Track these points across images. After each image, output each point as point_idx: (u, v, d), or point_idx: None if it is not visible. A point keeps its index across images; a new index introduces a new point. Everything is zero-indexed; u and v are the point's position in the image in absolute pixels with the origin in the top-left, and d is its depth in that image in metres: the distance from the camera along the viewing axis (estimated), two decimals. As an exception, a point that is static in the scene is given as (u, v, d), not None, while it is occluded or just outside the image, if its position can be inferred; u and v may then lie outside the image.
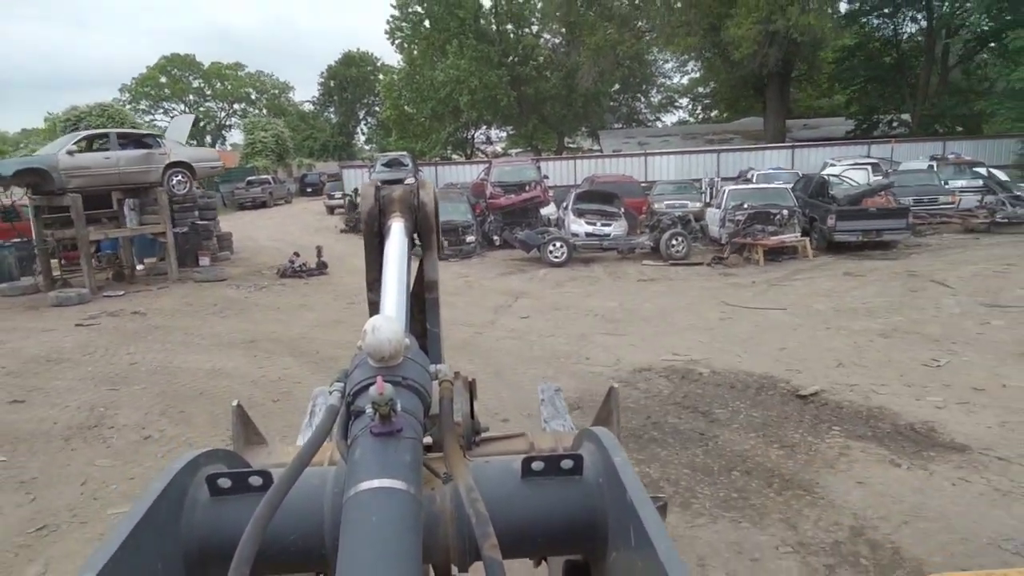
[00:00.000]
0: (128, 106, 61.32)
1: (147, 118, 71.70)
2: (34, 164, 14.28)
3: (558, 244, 16.78)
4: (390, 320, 1.22)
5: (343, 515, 1.01)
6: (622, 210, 18.95)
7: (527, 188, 20.36)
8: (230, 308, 13.39)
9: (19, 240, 17.18)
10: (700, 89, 55.67)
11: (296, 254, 17.02)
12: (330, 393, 1.22)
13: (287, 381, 8.84)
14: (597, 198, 19.26)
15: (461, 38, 43.21)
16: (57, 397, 8.49)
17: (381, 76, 62.87)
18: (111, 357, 10.20)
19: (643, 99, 57.02)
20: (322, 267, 16.75)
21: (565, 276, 15.55)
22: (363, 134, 78.83)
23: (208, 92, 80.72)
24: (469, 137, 53.33)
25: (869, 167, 20.65)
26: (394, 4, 46.91)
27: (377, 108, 69.28)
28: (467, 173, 31.39)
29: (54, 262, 16.54)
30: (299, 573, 1.38)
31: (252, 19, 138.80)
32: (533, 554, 1.43)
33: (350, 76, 70.50)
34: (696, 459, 6.19)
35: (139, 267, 17.54)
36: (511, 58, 45.01)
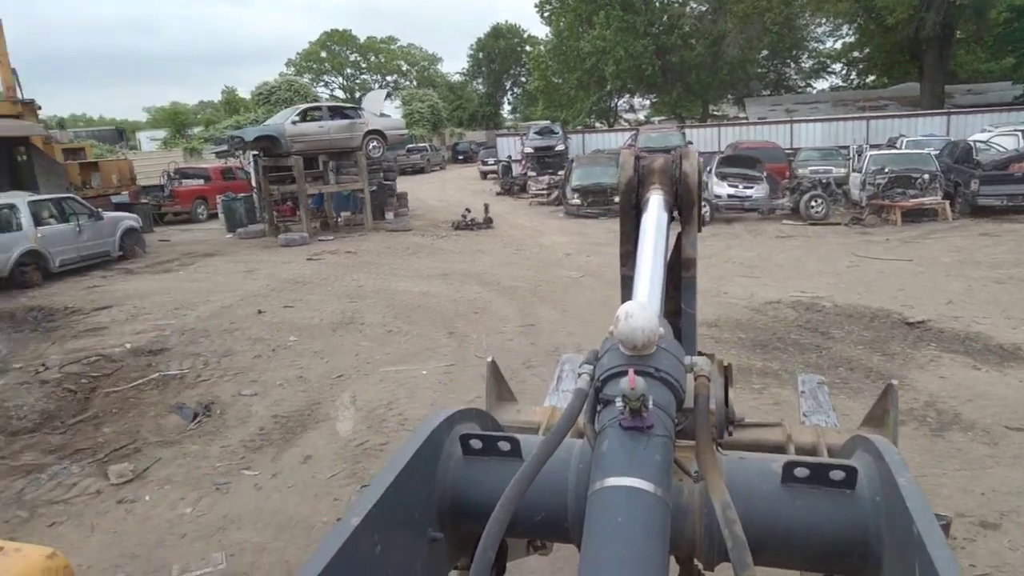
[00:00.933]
0: (286, 78, 66.87)
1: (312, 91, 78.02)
2: (268, 132, 17.65)
3: (702, 205, 18.36)
4: (644, 308, 1.18)
5: (588, 508, 1.01)
6: (764, 174, 20.09)
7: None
8: (420, 251, 16.16)
9: (245, 195, 20.89)
10: (855, 54, 53.71)
11: (468, 210, 19.61)
12: (579, 375, 1.20)
13: (480, 301, 11.26)
14: (739, 162, 20.50)
15: (607, 9, 44.38)
16: (314, 305, 11.37)
17: (528, 48, 64.99)
18: (341, 282, 13.10)
19: (793, 65, 55.74)
20: (488, 222, 19.24)
21: (707, 232, 17.13)
22: (509, 104, 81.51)
23: (364, 65, 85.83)
24: (612, 106, 54.54)
25: (1020, 133, 20.47)
26: (544, -22, 48.66)
27: (523, 79, 71.58)
28: (611, 141, 32.95)
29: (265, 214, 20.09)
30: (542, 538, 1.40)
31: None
32: (788, 566, 1.33)
33: (498, 48, 73.07)
34: (810, 360, 7.94)
35: (335, 220, 20.79)
36: (656, 28, 45.70)
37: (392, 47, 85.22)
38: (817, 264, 12.90)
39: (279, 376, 8.18)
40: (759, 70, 51.90)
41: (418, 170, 43.34)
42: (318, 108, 19.11)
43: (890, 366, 7.61)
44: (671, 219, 1.95)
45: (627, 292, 1.75)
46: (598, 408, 1.18)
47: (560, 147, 27.81)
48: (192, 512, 5.35)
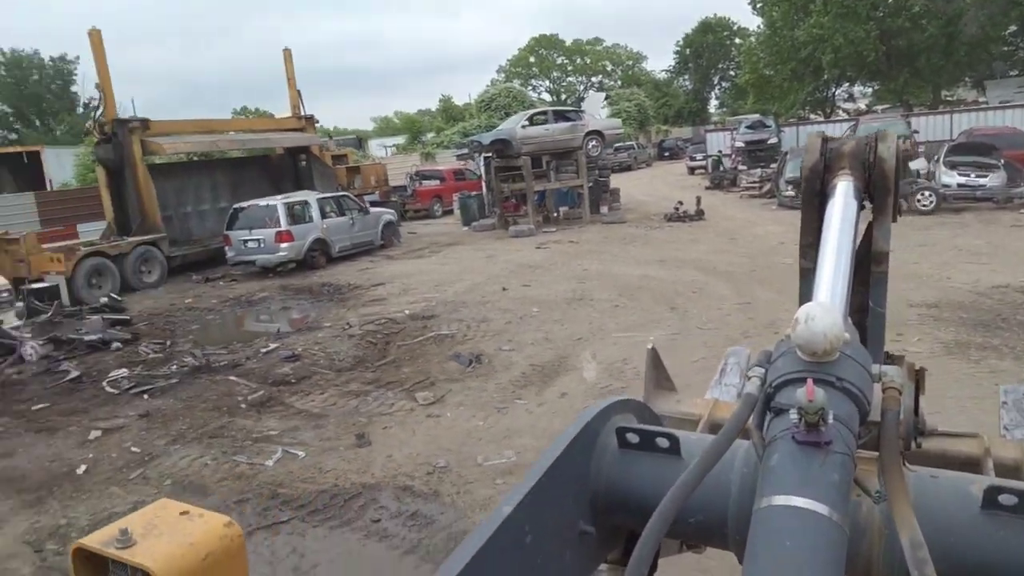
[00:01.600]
0: (503, 85, 70.36)
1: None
2: (502, 135, 19.88)
3: (926, 193, 17.82)
4: (827, 309, 1.09)
5: (753, 525, 0.95)
6: (1002, 161, 18.95)
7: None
8: (636, 240, 17.43)
9: (477, 193, 23.41)
10: None
11: (680, 202, 20.53)
12: (748, 378, 1.14)
13: (697, 283, 12.30)
14: (972, 150, 19.47)
15: (827, -5, 42.61)
16: (548, 285, 13.05)
17: (738, 41, 63.61)
18: (568, 266, 14.73)
19: (1049, 40, 49.62)
20: (700, 214, 20.02)
21: (932, 222, 16.71)
22: (716, 99, 79.99)
23: (569, 68, 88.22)
24: (829, 95, 52.01)
25: None
26: (757, -32, 47.63)
27: (732, 72, 70.02)
28: (828, 132, 31.92)
29: (495, 209, 22.40)
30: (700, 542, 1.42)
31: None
32: None
33: (706, 43, 72.07)
34: (1035, 339, 8.15)
35: (555, 214, 22.64)
36: (880, 11, 43.06)
37: (597, 48, 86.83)
38: (1058, 253, 12.40)
39: (529, 338, 9.86)
40: (1004, 48, 46.94)
41: (625, 168, 44.51)
42: (544, 112, 21.07)
43: (1123, 346, 7.66)
44: (861, 207, 1.79)
45: (807, 287, 1.62)
46: (768, 416, 1.10)
47: (772, 140, 27.69)
48: (483, 425, 7.06)
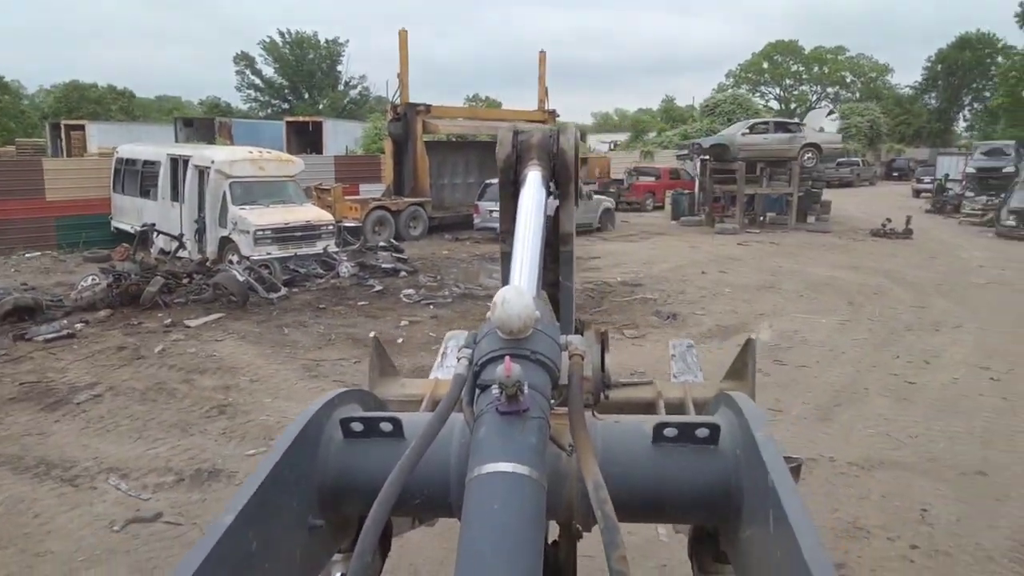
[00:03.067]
0: (730, 91, 69.41)
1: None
2: (722, 140, 21.91)
3: None
4: (520, 293, 1.17)
5: (466, 495, 1.02)
6: None
7: None
8: (835, 249, 18.75)
9: (688, 192, 25.50)
10: None
11: (888, 219, 21.25)
12: (459, 359, 1.19)
13: (882, 287, 13.77)
14: None
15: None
16: (743, 274, 15.08)
17: (1000, 59, 58.73)
18: (764, 262, 16.58)
19: None
20: (908, 233, 20.65)
21: None
22: (964, 121, 73.96)
23: (805, 76, 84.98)
24: (1102, 126, 46.97)
25: None
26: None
27: (987, 94, 64.63)
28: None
29: (704, 207, 24.34)
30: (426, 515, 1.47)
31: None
32: (660, 521, 1.42)
33: (962, 60, 67.00)
34: None
35: (761, 217, 24.13)
36: None
37: (839, 57, 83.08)
38: None
39: (718, 308, 12.10)
40: None
41: (846, 183, 43.74)
42: (765, 122, 22.74)
43: None
44: (549, 195, 1.86)
45: (507, 268, 1.67)
46: (476, 392, 1.14)
47: (1009, 168, 26.80)
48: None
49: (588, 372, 1.43)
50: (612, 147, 46.07)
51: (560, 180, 1.89)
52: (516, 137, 1.87)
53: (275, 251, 14.21)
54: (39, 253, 17.33)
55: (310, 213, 15.29)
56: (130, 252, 12.91)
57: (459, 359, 1.18)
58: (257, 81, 68.02)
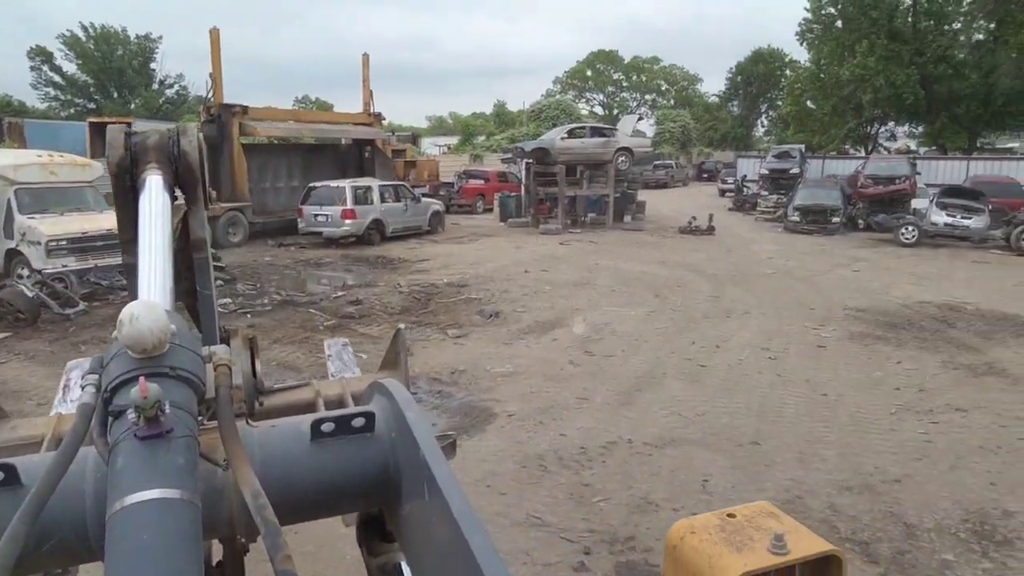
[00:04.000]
0: (556, 96, 72.32)
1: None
2: (543, 144, 22.80)
3: (909, 228, 20.14)
4: (151, 307, 1.10)
5: (108, 533, 0.92)
6: (988, 207, 21.10)
7: (896, 182, 23.48)
8: (647, 245, 20.11)
9: (515, 195, 26.31)
10: None
11: (693, 217, 23.10)
12: (83, 388, 1.09)
13: (684, 279, 14.96)
14: (962, 194, 21.68)
15: (872, 37, 44.52)
16: (562, 272, 15.81)
17: (788, 72, 65.45)
18: (583, 260, 17.48)
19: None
20: (711, 229, 22.57)
21: (908, 253, 19.04)
22: (762, 126, 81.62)
23: (625, 84, 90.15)
24: (872, 132, 53.74)
25: None
26: (807, 8, 49.77)
27: (779, 102, 71.80)
28: (847, 167, 34.05)
29: (529, 209, 25.25)
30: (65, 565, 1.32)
31: (664, 12, 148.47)
32: (329, 515, 1.41)
33: (757, 72, 73.95)
34: (923, 336, 10.65)
35: (582, 218, 25.38)
36: (924, 57, 44.83)
37: (654, 67, 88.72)
38: (993, 283, 14.75)
39: (538, 304, 12.63)
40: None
41: (661, 185, 46.96)
42: (583, 127, 23.95)
43: (983, 344, 10.13)
44: (174, 199, 1.78)
45: (133, 280, 1.51)
46: (110, 421, 1.05)
47: (795, 170, 29.99)
48: (494, 351, 9.85)
49: (238, 381, 1.38)
50: (444, 150, 46.49)
51: (185, 184, 1.81)
52: (129, 138, 1.76)
53: (72, 263, 13.05)
54: None
55: (112, 221, 14.14)
56: None
57: (83, 387, 1.09)
58: (56, 78, 61.82)
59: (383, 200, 20.29)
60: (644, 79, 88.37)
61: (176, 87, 65.70)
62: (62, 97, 62.43)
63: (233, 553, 1.78)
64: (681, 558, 1.57)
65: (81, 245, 13.25)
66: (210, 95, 20.05)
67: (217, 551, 1.83)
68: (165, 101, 63.30)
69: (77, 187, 14.36)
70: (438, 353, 9.80)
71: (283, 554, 0.96)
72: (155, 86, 65.09)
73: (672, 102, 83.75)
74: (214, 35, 19.37)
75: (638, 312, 12.07)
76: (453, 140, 57.90)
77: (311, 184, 20.27)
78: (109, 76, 61.95)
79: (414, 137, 48.14)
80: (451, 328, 11.06)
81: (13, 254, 13.26)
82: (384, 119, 24.91)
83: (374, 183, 20.49)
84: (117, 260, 13.75)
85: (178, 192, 1.86)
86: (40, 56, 60.41)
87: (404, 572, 1.47)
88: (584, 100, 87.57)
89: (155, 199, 1.66)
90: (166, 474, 0.97)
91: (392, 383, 1.38)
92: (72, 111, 58.05)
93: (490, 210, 29.25)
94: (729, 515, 1.64)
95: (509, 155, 23.86)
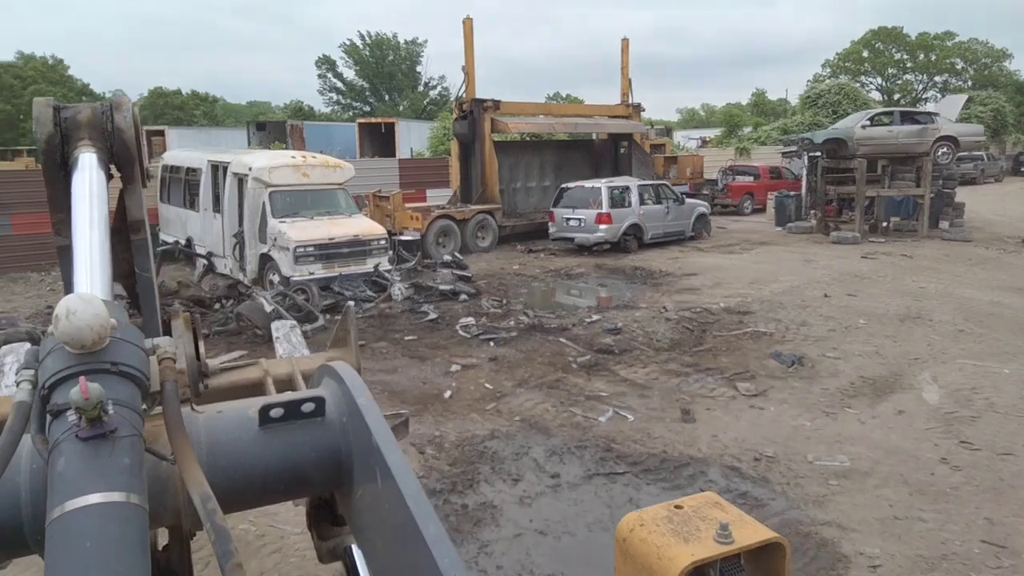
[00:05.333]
0: (827, 81, 64.63)
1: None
2: (837, 135, 18.86)
3: None
4: (88, 301, 1.04)
5: (48, 540, 0.88)
6: None
7: None
8: (986, 263, 15.51)
9: (793, 194, 22.46)
10: None
11: (1046, 226, 17.75)
12: (18, 384, 1.03)
13: (1068, 319, 10.69)
14: None
15: None
16: (876, 298, 12.24)
17: None
18: (900, 281, 13.63)
19: None
20: (1073, 242, 17.12)
21: None
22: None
23: (909, 64, 79.01)
24: None
25: None
26: None
27: None
28: None
29: (814, 211, 21.27)
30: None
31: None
32: (279, 500, 1.38)
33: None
34: None
35: (883, 224, 20.88)
36: None
37: (947, 43, 76.63)
38: None
39: (856, 348, 9.42)
40: None
41: (968, 181, 39.12)
42: (889, 113, 19.51)
43: None
44: (110, 177, 1.75)
45: (67, 263, 1.52)
46: (48, 419, 1.02)
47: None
48: (810, 425, 7.01)
49: (182, 365, 1.37)
50: (701, 144, 42.92)
51: (121, 162, 1.79)
52: (59, 114, 1.70)
53: (319, 270, 12.37)
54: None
55: (359, 226, 13.35)
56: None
57: (18, 383, 1.04)
58: (338, 84, 68.02)
59: (642, 202, 17.89)
60: (933, 58, 76.62)
61: (439, 88, 69.12)
62: (342, 101, 68.50)
63: (179, 538, 1.66)
64: (630, 550, 1.57)
65: (327, 252, 12.53)
66: (462, 90, 19.03)
67: (163, 534, 1.74)
68: (429, 102, 66.68)
69: (328, 190, 13.78)
70: (730, 421, 7.18)
71: (233, 562, 0.93)
72: (420, 88, 68.99)
73: (970, 83, 71.53)
74: (467, 25, 18.25)
75: (1015, 371, 8.42)
76: (708, 133, 53.78)
77: (564, 185, 18.45)
78: (381, 80, 66.75)
79: (668, 131, 45.15)
80: (741, 379, 8.37)
81: (266, 259, 12.92)
82: (643, 111, 22.46)
83: (633, 183, 18.15)
84: (364, 268, 12.94)
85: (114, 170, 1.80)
86: (325, 64, 66.76)
87: (355, 555, 1.48)
88: (858, 84, 78.26)
89: (89, 177, 1.62)
90: (110, 476, 0.93)
91: (342, 367, 1.36)
92: (350, 113, 63.16)
93: (759, 210, 25.54)
94: (676, 506, 1.64)
95: (792, 148, 20.17)
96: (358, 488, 1.25)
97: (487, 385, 8.21)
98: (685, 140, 49.69)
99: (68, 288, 1.41)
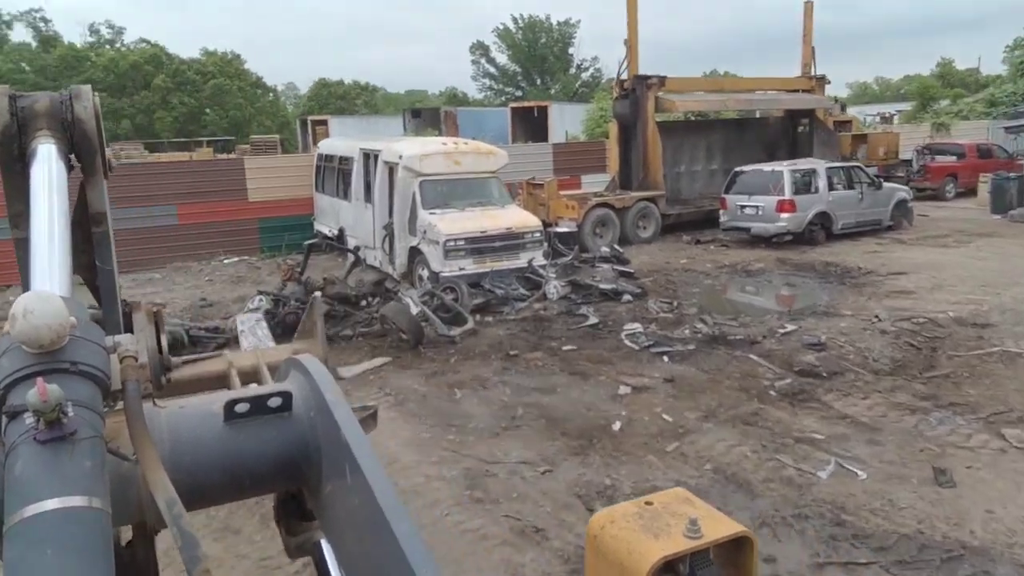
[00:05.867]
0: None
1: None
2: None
3: None
4: (46, 299, 1.02)
5: (6, 547, 0.85)
6: None
7: None
8: None
9: (1015, 175, 18.95)
10: None
11: None
12: None
13: None
14: None
15: None
16: None
17: None
18: None
19: None
20: None
21: None
22: None
23: None
24: None
25: None
26: None
27: None
28: None
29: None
30: None
31: None
32: (245, 497, 1.35)
33: None
34: None
35: None
36: None
37: None
38: None
39: None
40: None
41: None
42: None
43: None
44: (70, 168, 1.69)
45: (25, 258, 1.45)
46: (4, 421, 0.97)
47: None
48: None
49: (144, 359, 1.40)
50: (881, 120, 38.39)
51: (82, 152, 1.74)
52: (15, 103, 1.68)
53: (469, 266, 11.37)
54: (236, 259, 16.21)
55: (512, 217, 12.21)
56: (295, 269, 10.72)
57: None
58: (491, 69, 68.02)
59: (831, 187, 15.50)
60: None
61: (591, 70, 67.33)
62: (495, 87, 68.46)
63: (144, 534, 1.58)
64: (601, 547, 1.59)
65: (478, 246, 11.50)
66: (624, 67, 17.38)
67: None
68: (581, 85, 65.13)
69: (481, 178, 12.74)
70: (1007, 488, 5.33)
71: (201, 568, 0.92)
72: (572, 70, 67.52)
73: None
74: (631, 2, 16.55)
75: None
76: (887, 108, 48.21)
77: (737, 169, 16.37)
78: (533, 63, 65.97)
79: (842, 106, 40.76)
80: (1006, 422, 6.39)
81: (415, 252, 12.11)
82: (828, 82, 19.72)
83: (820, 166, 15.76)
84: (517, 263, 11.79)
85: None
86: (479, 50, 66.90)
87: (324, 549, 1.44)
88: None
89: (48, 169, 1.59)
90: (71, 480, 0.92)
91: (309, 360, 1.34)
92: (503, 99, 62.88)
93: (965, 194, 21.98)
94: (647, 503, 1.65)
95: (1017, 122, 16.81)
96: (327, 484, 1.23)
97: (665, 416, 6.75)
98: (862, 117, 45.01)
99: (26, 284, 1.34)
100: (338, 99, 61.13)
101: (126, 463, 1.14)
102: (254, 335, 2.64)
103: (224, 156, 32.03)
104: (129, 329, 1.71)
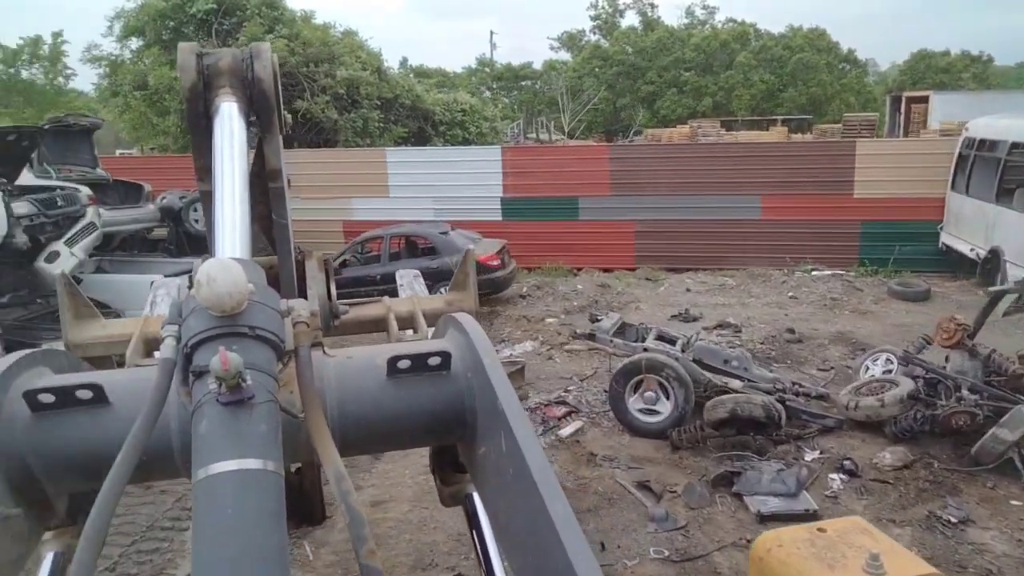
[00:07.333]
0: None
1: None
2: None
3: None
4: (226, 268, 1.06)
5: (194, 499, 0.92)
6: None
7: None
8: None
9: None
10: None
11: None
12: (163, 339, 1.07)
13: None
14: None
15: None
16: None
17: None
18: None
19: None
20: None
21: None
22: None
23: None
24: None
25: None
26: None
27: None
28: None
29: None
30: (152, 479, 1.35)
31: None
32: (403, 447, 1.52)
33: None
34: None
35: None
36: None
37: None
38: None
39: None
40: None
41: None
42: None
43: None
44: (250, 126, 1.75)
45: (209, 207, 1.52)
46: (191, 376, 1.05)
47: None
48: None
49: (315, 307, 1.49)
50: None
51: (260, 111, 1.79)
52: (201, 61, 1.71)
53: None
54: (828, 271, 12.63)
55: None
56: (964, 329, 6.55)
57: (164, 337, 1.08)
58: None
59: None
60: None
61: None
62: None
63: (312, 464, 1.69)
64: (767, 570, 1.52)
65: None
66: None
67: None
68: None
69: None
70: None
71: (367, 547, 0.94)
72: None
73: None
74: None
75: None
76: None
77: None
78: None
79: None
80: None
81: None
82: None
83: None
84: None
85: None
86: None
87: (476, 502, 1.51)
88: None
89: (230, 128, 1.65)
90: (248, 443, 0.97)
91: (467, 319, 1.39)
92: None
93: None
94: (820, 529, 1.56)
95: None
96: (481, 445, 1.27)
97: None
98: None
99: (210, 233, 1.41)
100: (940, 72, 51.45)
101: (296, 406, 1.17)
102: (411, 289, 2.52)
103: (799, 136, 28.56)
104: (301, 276, 1.86)
